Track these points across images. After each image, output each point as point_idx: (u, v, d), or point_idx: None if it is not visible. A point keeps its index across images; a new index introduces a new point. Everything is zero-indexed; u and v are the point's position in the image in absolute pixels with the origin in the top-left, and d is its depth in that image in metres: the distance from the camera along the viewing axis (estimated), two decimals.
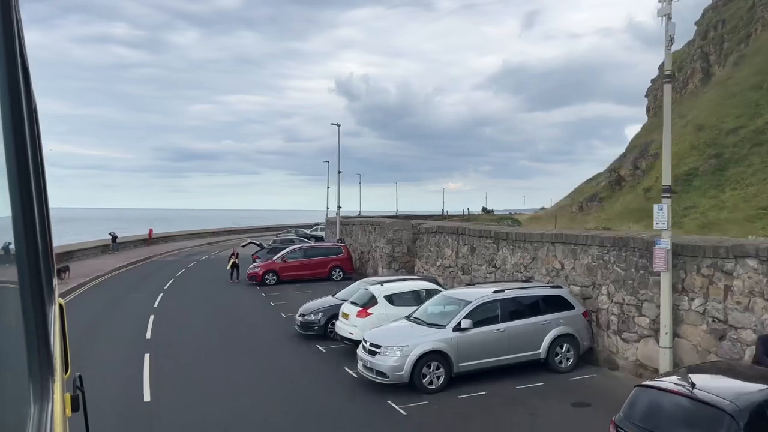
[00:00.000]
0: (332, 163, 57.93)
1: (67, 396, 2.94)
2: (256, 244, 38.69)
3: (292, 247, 34.12)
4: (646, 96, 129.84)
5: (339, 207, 39.65)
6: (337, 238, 39.04)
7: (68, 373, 3.61)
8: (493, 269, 19.42)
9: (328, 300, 19.77)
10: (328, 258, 31.92)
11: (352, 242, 36.76)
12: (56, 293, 3.57)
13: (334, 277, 31.66)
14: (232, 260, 32.77)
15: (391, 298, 16.63)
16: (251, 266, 32.17)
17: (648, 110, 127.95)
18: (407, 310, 16.16)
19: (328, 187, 63.09)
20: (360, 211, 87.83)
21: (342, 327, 16.87)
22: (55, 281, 3.84)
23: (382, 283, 17.40)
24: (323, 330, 18.40)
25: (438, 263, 23.61)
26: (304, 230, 71.38)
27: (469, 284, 18.49)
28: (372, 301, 16.60)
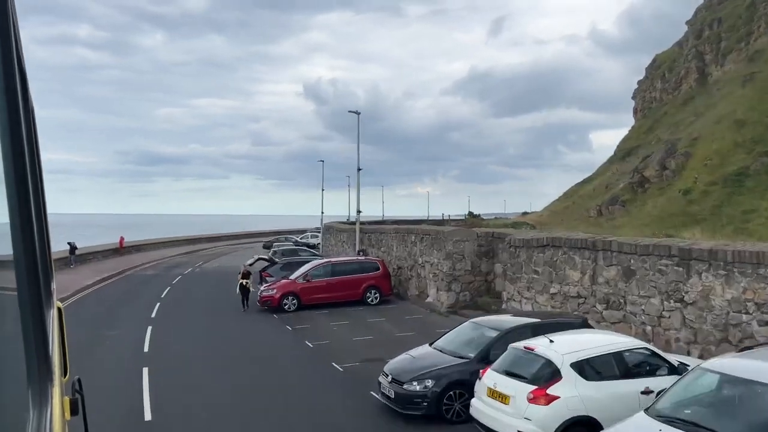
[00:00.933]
0: (328, 164, 50.89)
1: (66, 400, 2.90)
2: (265, 259, 30.41)
3: (315, 263, 26.43)
4: (633, 98, 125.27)
5: (359, 211, 32.29)
6: (358, 249, 31.66)
7: (67, 376, 3.47)
8: (678, 304, 12.53)
9: (430, 353, 12.17)
10: (361, 276, 24.58)
11: (383, 255, 29.17)
12: (54, 297, 3.45)
13: (369, 300, 24.46)
14: (242, 282, 24.76)
15: (581, 368, 9.59)
16: (264, 287, 24.70)
17: (636, 112, 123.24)
18: (608, 387, 9.20)
19: (323, 189, 55.87)
20: (347, 217, 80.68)
21: (492, 415, 9.50)
22: (53, 285, 3.61)
23: (549, 338, 10.16)
24: (436, 407, 11.08)
25: (552, 290, 16.62)
26: (294, 237, 64.02)
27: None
28: (548, 371, 9.47)
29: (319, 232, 72.27)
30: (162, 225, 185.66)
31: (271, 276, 26.14)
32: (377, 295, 24.51)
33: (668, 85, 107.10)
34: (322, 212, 55.45)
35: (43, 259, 2.34)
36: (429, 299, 23.35)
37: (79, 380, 3.18)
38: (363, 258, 26.79)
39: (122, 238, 56.31)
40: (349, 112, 32.25)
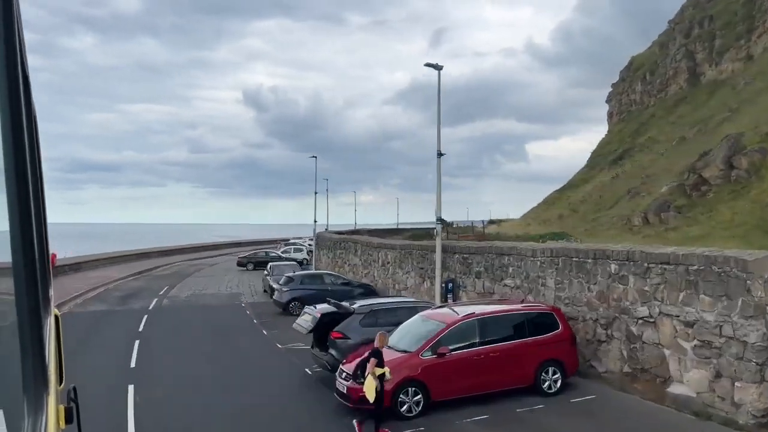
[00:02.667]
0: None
1: (61, 408, 2.85)
2: (337, 308, 16.00)
3: (456, 318, 13.24)
4: (608, 101, 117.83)
5: (441, 220, 20.24)
6: (443, 280, 19.44)
7: (63, 384, 3.46)
8: None
9: None
10: (530, 341, 12.72)
11: (504, 291, 16.60)
12: (52, 304, 3.43)
13: (546, 385, 12.74)
14: (374, 371, 10.57)
15: None
16: (346, 367, 12.40)
17: (611, 116, 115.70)
18: None
19: (315, 193, 43.36)
20: (333, 225, 68.18)
21: None
22: (51, 292, 3.52)
23: None
24: None
25: None
26: (273, 250, 51.35)
27: None
28: None
29: (300, 243, 59.73)
30: (96, 236, 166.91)
31: (350, 334, 13.68)
32: (557, 375, 12.75)
33: (651, 87, 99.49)
34: (315, 221, 43.13)
35: (42, 265, 2.33)
36: (677, 390, 11.55)
37: (74, 388, 3.16)
38: (528, 306, 13.88)
39: (54, 255, 42.20)
40: (427, 65, 20.25)
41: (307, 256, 50.08)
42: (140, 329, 21.69)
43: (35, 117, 2.71)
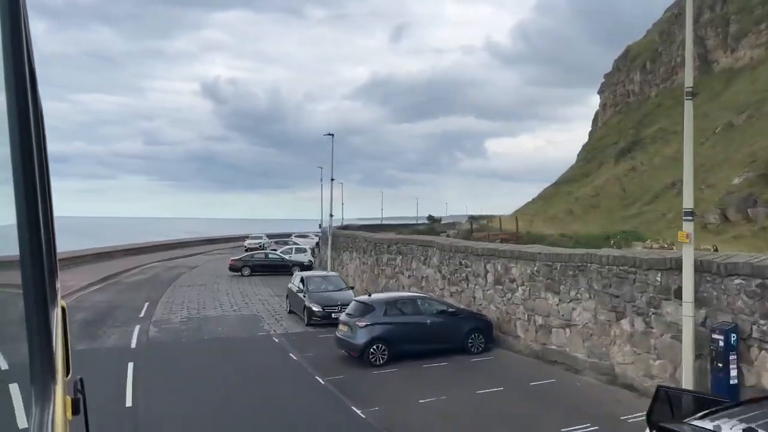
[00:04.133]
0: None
1: (68, 399, 2.78)
2: None
3: None
4: (600, 92, 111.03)
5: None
6: None
7: (69, 375, 3.31)
8: None
9: None
10: None
11: None
12: (59, 296, 3.38)
13: None
14: None
15: None
16: None
17: (604, 107, 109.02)
18: None
19: (332, 179, 33.93)
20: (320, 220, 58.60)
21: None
22: (58, 284, 3.54)
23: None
24: None
25: None
26: (264, 251, 41.55)
27: None
28: None
29: (294, 241, 50.06)
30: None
31: None
32: None
33: (653, 76, 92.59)
34: (327, 215, 33.79)
35: (49, 257, 2.32)
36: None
37: (81, 380, 3.13)
38: None
39: None
40: None
41: (312, 258, 40.50)
42: (127, 400, 12.02)
43: (41, 111, 2.67)
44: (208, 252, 60.33)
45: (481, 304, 16.83)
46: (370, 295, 15.50)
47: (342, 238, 32.27)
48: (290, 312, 22.27)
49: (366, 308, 14.81)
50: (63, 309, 3.37)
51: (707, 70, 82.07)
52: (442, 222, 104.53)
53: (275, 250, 46.32)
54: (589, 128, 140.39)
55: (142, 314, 22.77)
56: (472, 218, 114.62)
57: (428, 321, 14.79)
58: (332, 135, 34.16)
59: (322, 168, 58.81)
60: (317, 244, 56.17)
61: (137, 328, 19.95)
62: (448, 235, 55.19)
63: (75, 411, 2.88)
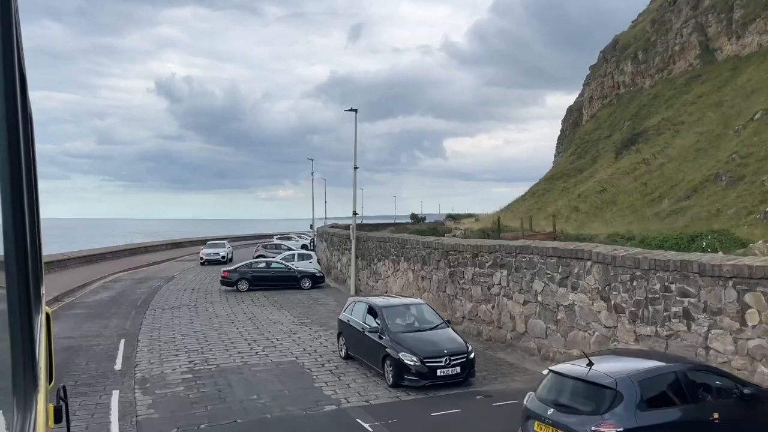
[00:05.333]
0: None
1: (51, 407, 2.73)
2: None
3: None
4: (586, 84, 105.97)
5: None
6: None
7: (52, 383, 3.28)
8: None
9: None
10: None
11: None
12: (44, 302, 3.25)
13: None
14: None
15: None
16: None
17: (591, 100, 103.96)
18: None
19: (356, 168, 26.41)
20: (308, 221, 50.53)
21: None
22: (43, 289, 3.41)
23: None
24: None
25: None
26: (266, 259, 33.61)
27: None
28: None
29: (285, 244, 42.31)
30: None
31: None
32: None
33: (647, 66, 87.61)
34: (355, 212, 26.29)
35: (34, 263, 2.25)
36: None
37: (64, 387, 3.12)
38: None
39: None
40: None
41: (318, 266, 32.79)
42: None
43: (31, 114, 2.58)
44: (178, 258, 51.72)
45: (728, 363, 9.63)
46: (590, 364, 7.91)
47: (372, 243, 24.71)
48: (348, 357, 14.70)
49: (596, 393, 7.38)
50: (48, 315, 3.20)
51: (709, 58, 77.24)
52: (426, 221, 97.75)
53: (265, 256, 38.54)
54: (558, 126, 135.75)
55: (118, 364, 14.84)
56: (451, 217, 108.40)
57: (714, 415, 7.46)
58: (356, 111, 26.61)
59: (312, 160, 50.95)
60: (304, 246, 48.37)
61: (115, 397, 12.08)
62: (454, 235, 48.11)
63: (57, 419, 2.77)
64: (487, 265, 16.20)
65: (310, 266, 31.79)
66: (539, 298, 14.15)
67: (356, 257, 26.18)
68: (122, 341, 17.47)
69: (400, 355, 12.18)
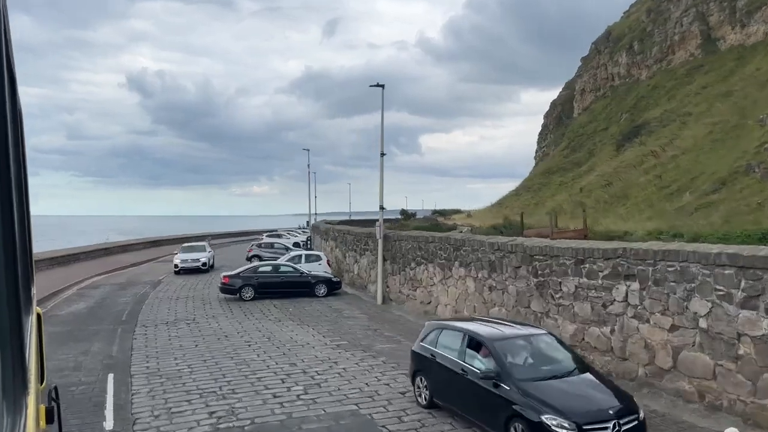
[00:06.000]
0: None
1: (42, 408, 2.65)
2: None
3: None
4: (578, 76, 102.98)
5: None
6: None
7: (44, 384, 3.16)
8: None
9: None
10: None
11: None
12: (34, 302, 3.13)
13: None
14: None
15: None
16: None
17: (582, 93, 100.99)
18: None
19: (383, 155, 22.35)
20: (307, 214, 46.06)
21: None
22: (34, 289, 3.24)
23: None
24: None
25: None
26: (273, 260, 29.20)
27: None
28: None
29: (281, 242, 37.98)
30: None
31: None
32: None
33: (644, 57, 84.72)
34: (382, 206, 22.22)
35: (24, 263, 2.19)
36: None
37: (55, 388, 3.02)
38: None
39: None
40: None
41: (328, 268, 28.51)
42: None
43: (21, 113, 2.56)
44: (159, 258, 46.83)
45: None
46: None
47: (407, 243, 20.48)
48: (432, 405, 10.53)
49: None
50: (39, 316, 3.16)
51: (711, 48, 74.43)
52: (416, 217, 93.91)
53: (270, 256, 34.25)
54: (535, 121, 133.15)
55: (108, 421, 10.44)
56: (438, 213, 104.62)
57: None
58: (383, 86, 22.36)
59: (308, 150, 46.52)
60: (296, 245, 44.04)
61: None
62: (460, 231, 44.12)
63: (49, 420, 2.71)
64: (601, 275, 12.14)
65: (320, 269, 27.51)
66: (702, 324, 10.14)
67: (384, 259, 21.97)
68: (110, 377, 13.05)
69: (544, 418, 8.04)
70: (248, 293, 23.35)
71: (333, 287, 24.31)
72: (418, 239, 19.59)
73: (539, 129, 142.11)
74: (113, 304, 23.59)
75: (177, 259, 34.14)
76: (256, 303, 22.88)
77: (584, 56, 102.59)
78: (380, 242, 22.04)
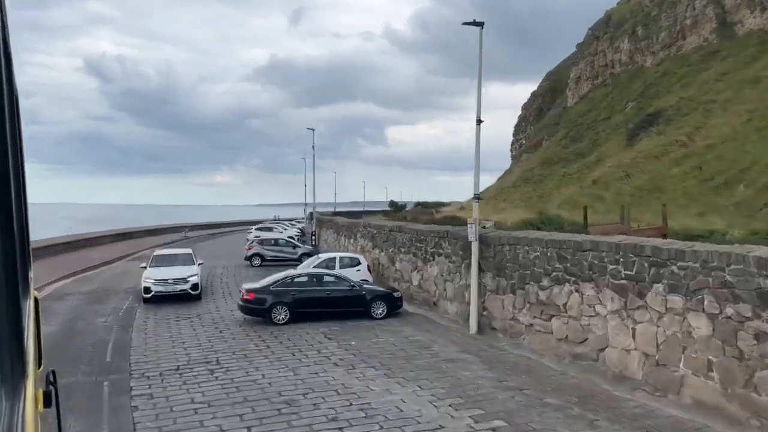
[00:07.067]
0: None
1: (40, 392, 2.65)
2: None
3: None
4: (574, 64, 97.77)
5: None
6: None
7: (41, 367, 3.14)
8: None
9: None
10: None
11: None
12: (32, 286, 3.07)
13: None
14: None
15: None
16: None
17: (578, 80, 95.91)
18: None
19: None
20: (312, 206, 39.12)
21: None
22: (31, 274, 3.17)
23: None
24: None
25: None
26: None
27: None
28: None
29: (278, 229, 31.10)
30: None
31: None
32: None
33: (649, 43, 79.74)
34: (478, 196, 15.90)
35: (22, 247, 2.17)
36: None
37: (53, 372, 3.02)
38: None
39: None
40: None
41: (369, 276, 21.75)
42: None
43: (17, 97, 2.51)
44: (132, 255, 39.17)
45: None
46: None
47: (526, 250, 13.91)
48: None
49: None
50: (36, 300, 3.18)
51: (728, 33, 69.72)
52: (406, 209, 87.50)
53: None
54: (510, 115, 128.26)
55: None
56: (422, 205, 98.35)
57: None
58: (481, 25, 15.66)
59: (314, 129, 39.71)
60: (291, 238, 37.13)
61: None
62: (484, 227, 37.98)
63: (47, 404, 2.74)
64: None
65: (358, 276, 20.80)
66: None
67: (480, 270, 15.38)
68: None
69: None
70: (281, 314, 16.51)
71: (393, 305, 17.65)
72: (554, 245, 13.04)
73: (515, 121, 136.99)
74: (88, 329, 16.43)
75: (148, 279, 20.57)
76: (295, 328, 16.08)
77: (579, 43, 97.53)
78: (475, 246, 15.42)
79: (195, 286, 20.70)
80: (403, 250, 20.56)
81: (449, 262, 17.17)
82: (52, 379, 2.95)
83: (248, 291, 16.70)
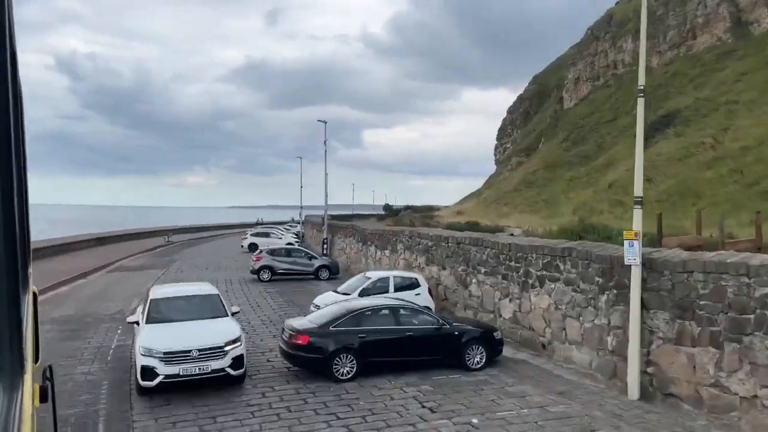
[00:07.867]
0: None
1: (37, 387, 2.65)
2: None
3: None
4: (573, 65, 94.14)
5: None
6: None
7: (38, 362, 3.07)
8: None
9: None
10: None
11: None
12: (31, 281, 3.01)
13: None
14: None
15: None
16: None
17: (576, 82, 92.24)
18: None
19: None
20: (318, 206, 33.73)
21: None
22: (30, 269, 3.10)
23: None
24: None
25: None
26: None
27: None
28: None
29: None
30: None
31: None
32: None
33: (656, 42, 76.35)
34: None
35: (22, 242, 2.14)
36: None
37: (50, 367, 2.99)
38: None
39: None
40: None
41: (431, 301, 16.64)
42: None
43: (21, 95, 2.43)
44: (113, 263, 33.45)
45: None
46: None
47: (736, 282, 9.10)
48: None
49: None
50: (35, 294, 3.15)
51: (743, 32, 66.31)
52: (401, 213, 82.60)
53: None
54: (503, 115, 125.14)
55: None
56: (412, 209, 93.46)
57: None
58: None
59: (326, 122, 34.45)
60: (290, 245, 31.94)
61: None
62: (512, 234, 33.33)
63: (43, 398, 2.71)
64: None
65: (416, 302, 15.71)
66: None
67: (644, 308, 10.45)
68: None
69: None
70: (346, 366, 11.37)
71: (494, 350, 12.62)
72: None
73: (497, 125, 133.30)
74: (65, 390, 11.00)
75: (150, 349, 10.72)
76: (369, 388, 10.95)
77: (578, 42, 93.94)
78: (637, 272, 10.48)
79: (238, 362, 11.09)
80: (483, 270, 15.50)
81: (574, 291, 12.23)
82: (48, 374, 2.88)
83: (298, 332, 11.47)
